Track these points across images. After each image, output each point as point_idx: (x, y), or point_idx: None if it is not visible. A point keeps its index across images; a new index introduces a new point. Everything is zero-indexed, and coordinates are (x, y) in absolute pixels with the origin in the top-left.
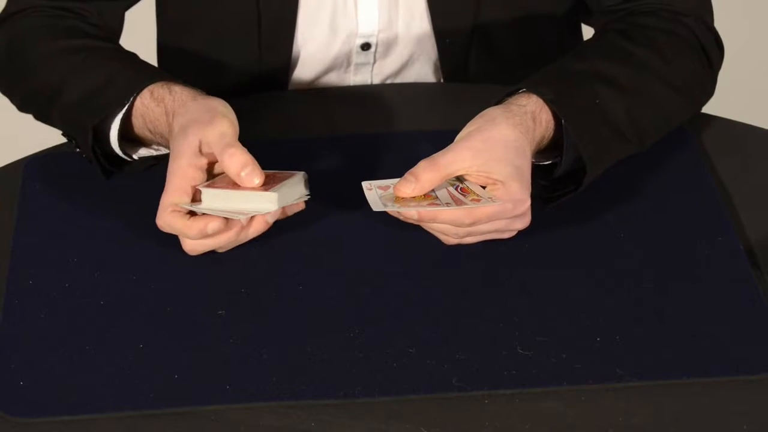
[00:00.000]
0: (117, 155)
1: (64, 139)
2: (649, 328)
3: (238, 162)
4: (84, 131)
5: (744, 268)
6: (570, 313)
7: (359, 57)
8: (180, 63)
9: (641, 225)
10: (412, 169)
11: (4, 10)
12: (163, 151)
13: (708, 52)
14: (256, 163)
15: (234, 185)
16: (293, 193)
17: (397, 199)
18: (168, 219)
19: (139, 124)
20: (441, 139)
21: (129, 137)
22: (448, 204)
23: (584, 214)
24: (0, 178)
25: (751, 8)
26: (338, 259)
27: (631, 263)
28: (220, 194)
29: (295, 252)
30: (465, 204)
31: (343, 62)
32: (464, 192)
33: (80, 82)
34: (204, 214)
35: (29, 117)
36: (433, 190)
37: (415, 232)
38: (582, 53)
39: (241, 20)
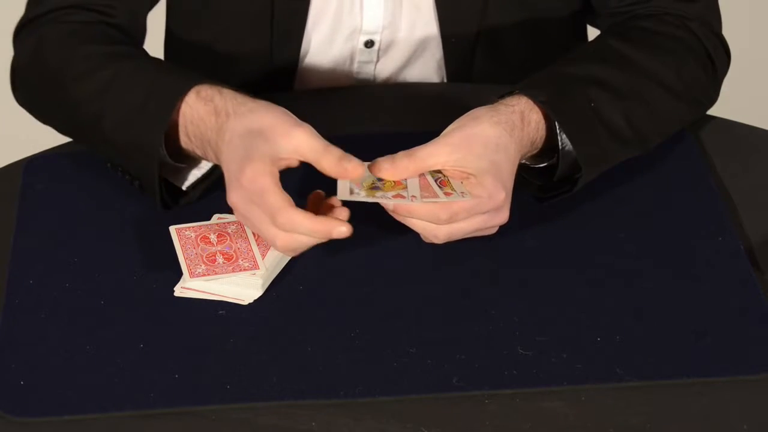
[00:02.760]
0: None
1: (64, 139)
2: (649, 328)
3: (337, 155)
4: (145, 153)
5: (744, 268)
6: (570, 313)
7: (362, 54)
8: (188, 59)
9: (641, 225)
10: (391, 155)
11: (28, 10)
12: (205, 167)
13: (713, 58)
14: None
15: (217, 266)
16: (280, 263)
17: (367, 186)
18: (293, 216)
19: (180, 125)
20: None
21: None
22: (414, 197)
23: (584, 214)
24: (0, 178)
25: (751, 8)
26: (338, 259)
27: (631, 263)
28: (209, 279)
29: None
30: (436, 196)
31: (346, 59)
32: (442, 184)
33: (118, 100)
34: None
35: (29, 117)
36: (405, 180)
37: (415, 232)
38: (578, 57)
39: (254, 13)
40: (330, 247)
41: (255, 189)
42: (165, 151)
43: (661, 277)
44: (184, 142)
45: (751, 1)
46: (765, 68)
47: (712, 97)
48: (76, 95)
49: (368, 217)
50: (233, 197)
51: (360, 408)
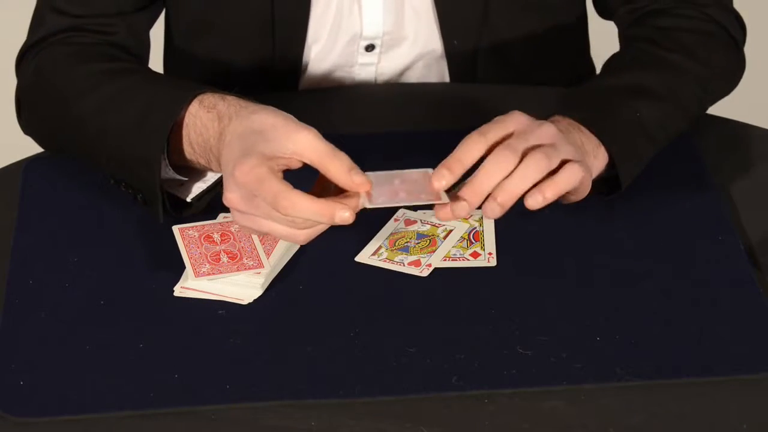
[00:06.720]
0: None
1: None
2: (649, 328)
3: (347, 164)
4: (146, 164)
5: (744, 268)
6: (570, 313)
7: (363, 57)
8: (190, 70)
9: (642, 225)
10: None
11: (29, 37)
12: (210, 180)
13: (734, 35)
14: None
15: (221, 264)
16: (280, 262)
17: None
18: (294, 198)
19: (183, 135)
20: (445, 139)
21: (173, 162)
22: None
23: (585, 215)
24: (0, 179)
25: (751, 9)
26: (338, 259)
27: (632, 263)
28: (214, 278)
29: (295, 252)
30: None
31: (347, 63)
32: (475, 238)
33: (121, 113)
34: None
35: None
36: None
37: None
38: (615, 69)
39: (255, 23)
40: (330, 246)
41: (252, 179)
42: (168, 163)
43: (661, 277)
44: (188, 152)
45: (751, 1)
46: (765, 68)
47: (743, 69)
48: (79, 112)
49: (369, 217)
50: (229, 195)
51: (359, 408)
